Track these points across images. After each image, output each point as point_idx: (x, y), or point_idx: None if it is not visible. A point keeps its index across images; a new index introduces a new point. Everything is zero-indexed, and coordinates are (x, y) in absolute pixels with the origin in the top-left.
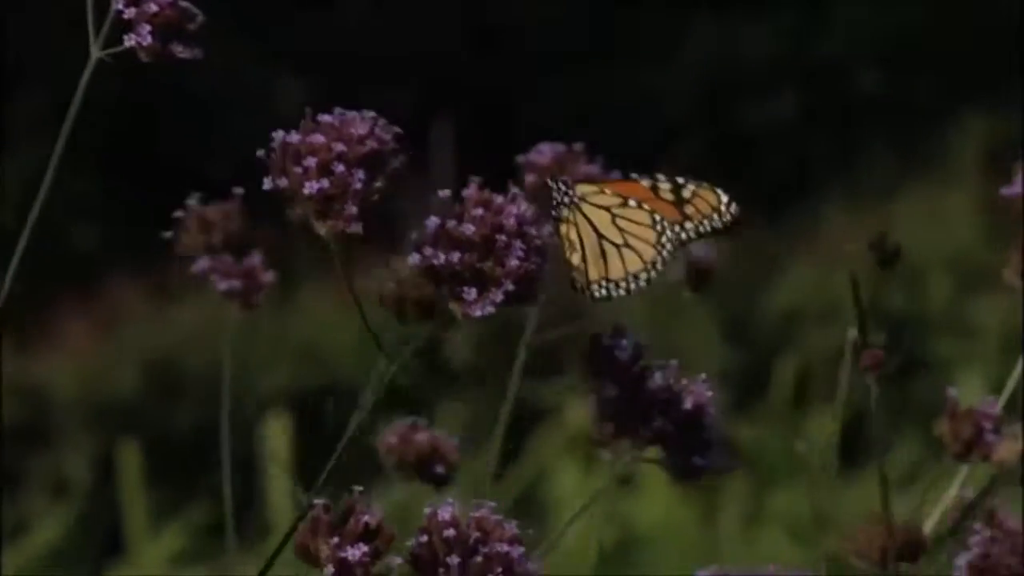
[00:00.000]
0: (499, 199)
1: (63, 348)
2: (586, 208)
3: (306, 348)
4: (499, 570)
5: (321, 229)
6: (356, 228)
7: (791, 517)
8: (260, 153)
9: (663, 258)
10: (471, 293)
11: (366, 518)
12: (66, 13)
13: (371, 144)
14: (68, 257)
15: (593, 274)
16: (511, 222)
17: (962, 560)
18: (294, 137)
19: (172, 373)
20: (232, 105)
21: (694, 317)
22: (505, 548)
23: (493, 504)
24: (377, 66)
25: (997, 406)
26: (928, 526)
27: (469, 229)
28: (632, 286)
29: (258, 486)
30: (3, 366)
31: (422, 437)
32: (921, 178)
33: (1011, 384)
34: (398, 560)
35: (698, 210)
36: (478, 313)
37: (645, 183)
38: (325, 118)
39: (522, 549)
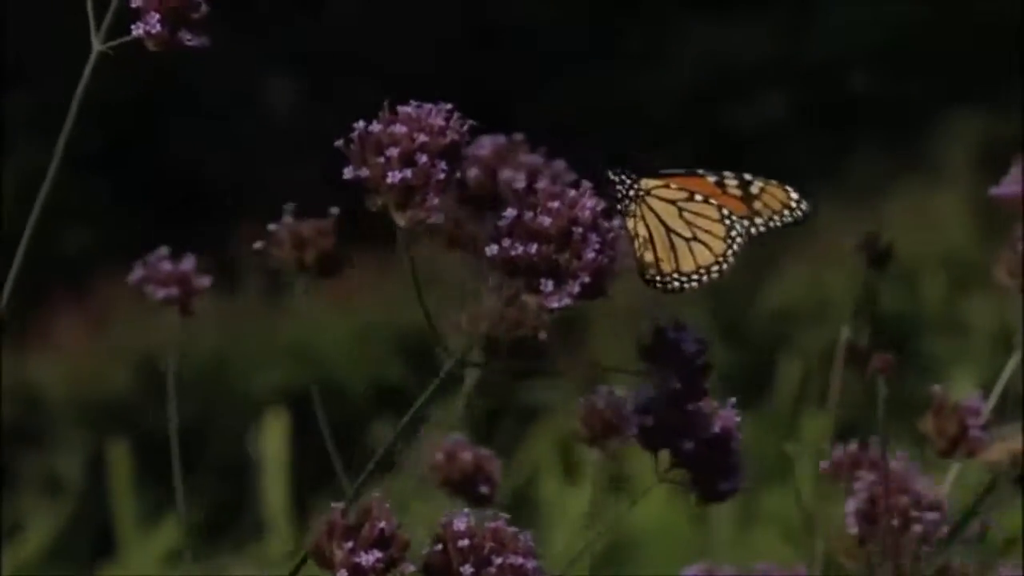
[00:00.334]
0: (572, 192)
1: (55, 347)
2: (652, 202)
3: (299, 348)
4: None
5: (401, 220)
6: (438, 218)
7: (784, 518)
8: (338, 143)
9: (734, 251)
10: (548, 285)
11: (382, 524)
12: (64, 8)
13: (451, 136)
14: (60, 256)
15: (666, 267)
16: (586, 215)
17: (850, 507)
18: (375, 127)
19: (163, 373)
20: (226, 104)
21: (688, 316)
22: (520, 560)
23: (507, 516)
24: (373, 66)
25: (982, 401)
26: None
27: (546, 221)
28: (705, 278)
29: (252, 486)
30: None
31: (467, 455)
32: (913, 178)
33: (1002, 383)
34: (411, 568)
35: (767, 205)
36: (555, 305)
37: (711, 179)
38: (404, 109)
39: (536, 562)
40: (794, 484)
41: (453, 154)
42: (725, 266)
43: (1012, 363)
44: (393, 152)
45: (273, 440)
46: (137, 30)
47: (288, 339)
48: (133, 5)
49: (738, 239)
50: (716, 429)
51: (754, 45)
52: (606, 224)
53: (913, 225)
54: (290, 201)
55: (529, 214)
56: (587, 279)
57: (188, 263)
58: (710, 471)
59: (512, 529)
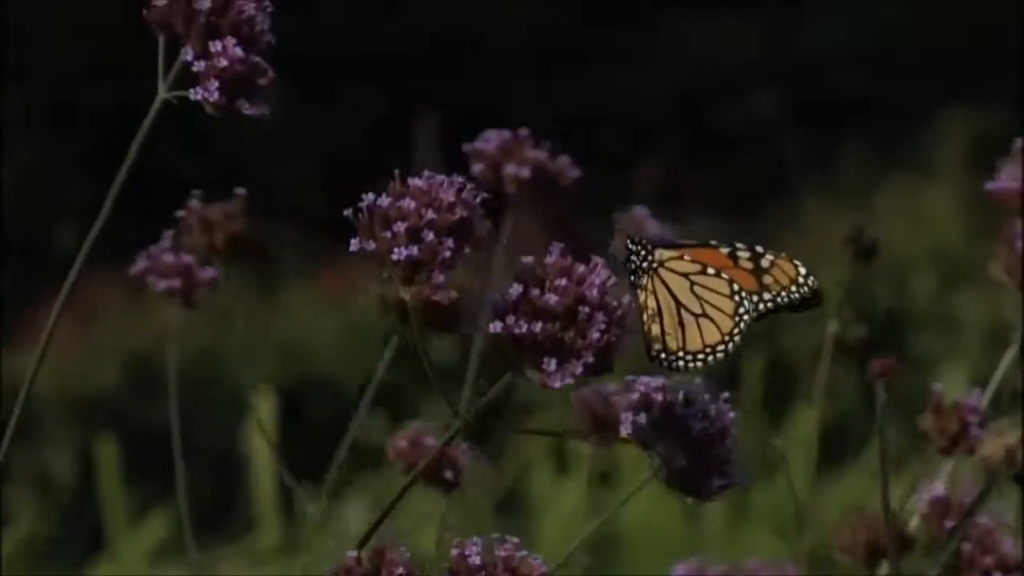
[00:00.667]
0: (581, 268)
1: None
2: (664, 274)
3: (289, 344)
4: None
5: (406, 295)
6: (443, 297)
7: (776, 514)
8: (347, 213)
9: (741, 329)
10: (551, 364)
11: (400, 570)
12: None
13: (460, 212)
14: (47, 253)
15: (672, 345)
16: (594, 293)
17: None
18: (384, 201)
19: (151, 369)
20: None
21: None
22: None
23: (516, 540)
24: (356, 68)
25: (982, 400)
26: (914, 522)
27: (553, 299)
28: (710, 358)
29: (242, 481)
30: None
31: (431, 442)
32: (903, 174)
33: (995, 379)
34: None
35: (776, 280)
36: (557, 384)
37: (724, 250)
38: (414, 182)
39: None
40: (785, 480)
41: (462, 230)
42: (731, 345)
43: (1006, 358)
44: (400, 228)
45: (262, 435)
46: (196, 95)
47: (279, 336)
48: (194, 70)
49: (746, 316)
50: (709, 425)
51: (745, 44)
52: (614, 302)
53: (903, 221)
54: (278, 199)
55: (536, 291)
56: (591, 359)
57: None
58: (703, 469)
59: (521, 554)
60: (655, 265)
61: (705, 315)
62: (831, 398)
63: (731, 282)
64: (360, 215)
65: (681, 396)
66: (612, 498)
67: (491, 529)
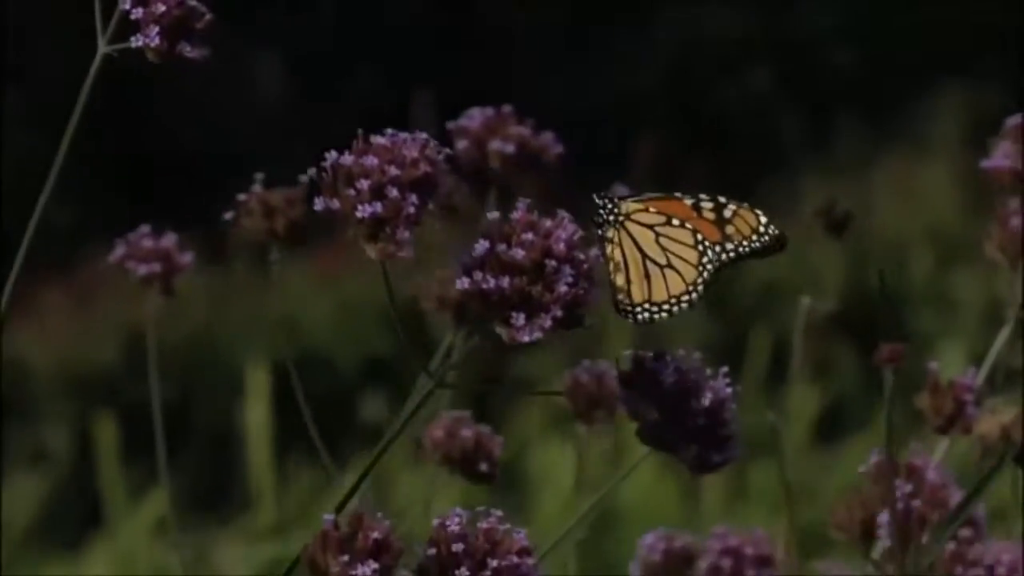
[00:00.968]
0: (547, 222)
1: (41, 321)
2: (631, 227)
3: (286, 321)
4: None
5: (371, 252)
6: (407, 253)
7: (774, 492)
8: (310, 173)
9: (704, 279)
10: (519, 318)
11: (375, 534)
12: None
13: (424, 168)
14: (45, 230)
15: (637, 296)
16: (560, 247)
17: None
18: (347, 159)
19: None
20: (209, 83)
21: None
22: (515, 560)
23: (500, 513)
24: (354, 63)
25: (977, 379)
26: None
27: (519, 254)
28: (675, 308)
29: (239, 459)
30: None
31: (467, 433)
32: (899, 151)
33: (992, 357)
34: (406, 573)
35: (738, 230)
36: (526, 339)
37: (687, 201)
38: (377, 139)
39: (532, 560)
40: (779, 455)
41: (426, 186)
42: (695, 295)
43: (1002, 336)
44: (364, 185)
45: (258, 412)
46: (137, 42)
47: (275, 312)
48: (132, 17)
49: (709, 266)
50: (707, 402)
51: (739, 19)
52: (581, 255)
53: (899, 199)
54: (276, 175)
55: (502, 246)
56: (559, 313)
57: (169, 239)
58: (702, 444)
59: (505, 527)
60: (621, 218)
61: (670, 266)
62: (828, 376)
63: (695, 232)
64: (324, 174)
65: (652, 353)
66: (611, 475)
67: (489, 505)
